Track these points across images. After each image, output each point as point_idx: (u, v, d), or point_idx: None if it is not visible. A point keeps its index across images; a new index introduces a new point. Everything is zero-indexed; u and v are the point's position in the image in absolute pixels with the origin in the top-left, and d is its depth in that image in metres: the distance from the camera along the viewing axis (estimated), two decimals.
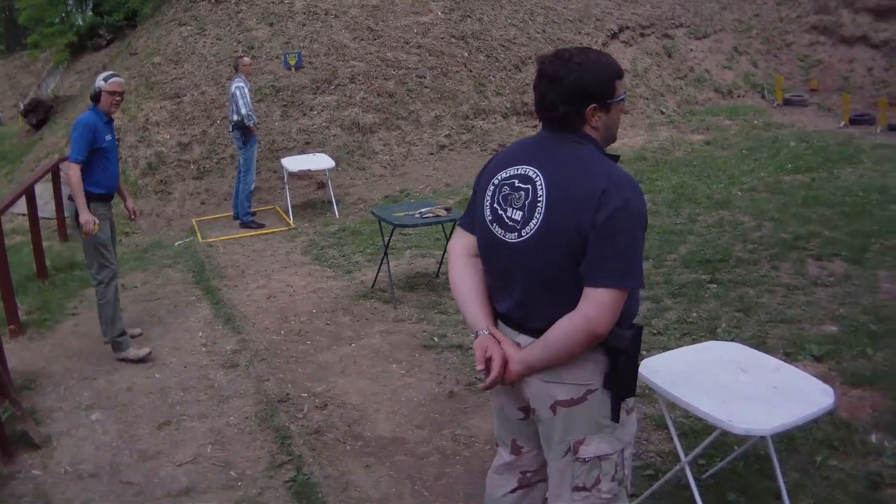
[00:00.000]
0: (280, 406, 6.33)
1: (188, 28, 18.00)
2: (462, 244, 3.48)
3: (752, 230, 10.14)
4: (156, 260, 11.27)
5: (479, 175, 3.46)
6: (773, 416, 3.96)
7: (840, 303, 7.67)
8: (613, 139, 3.28)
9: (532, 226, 3.08)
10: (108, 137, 7.41)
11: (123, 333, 7.54)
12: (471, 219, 3.46)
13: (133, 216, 8.07)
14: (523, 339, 3.23)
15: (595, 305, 2.94)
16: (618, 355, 3.10)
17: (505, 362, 3.19)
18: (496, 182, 3.26)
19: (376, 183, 14.73)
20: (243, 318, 8.44)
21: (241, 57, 13.29)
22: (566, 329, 3.01)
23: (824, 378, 5.83)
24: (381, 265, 9.00)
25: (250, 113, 12.32)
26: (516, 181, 3.19)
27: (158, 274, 10.46)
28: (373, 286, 9.12)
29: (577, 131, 3.14)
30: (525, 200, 3.12)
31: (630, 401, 3.26)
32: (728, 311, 7.63)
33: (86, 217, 7.16)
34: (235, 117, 12.36)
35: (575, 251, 2.98)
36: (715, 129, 17.49)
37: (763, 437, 4.05)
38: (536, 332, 3.16)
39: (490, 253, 3.31)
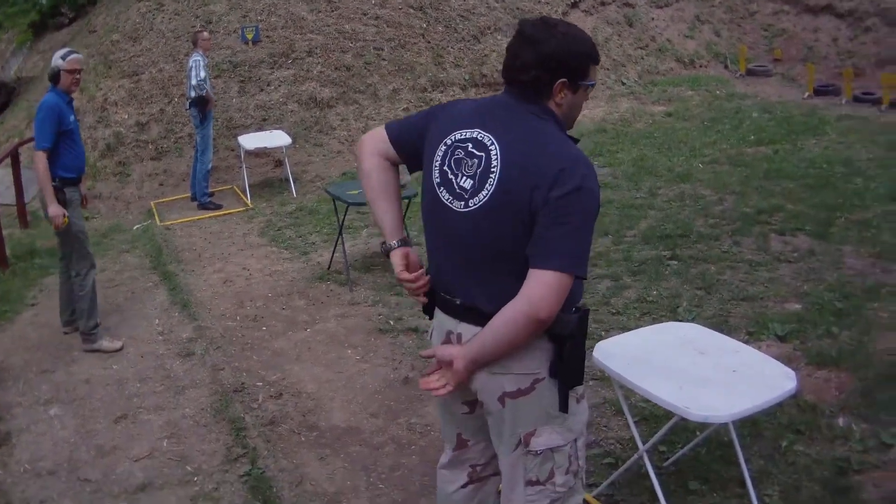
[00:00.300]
0: (235, 396, 6.39)
1: (146, 3, 17.71)
2: (379, 147, 3.34)
3: (714, 204, 10.16)
4: (114, 245, 11.23)
5: (427, 117, 3.32)
6: (733, 401, 3.88)
7: (804, 279, 7.69)
8: (572, 125, 3.18)
9: (481, 196, 2.98)
10: (72, 118, 7.31)
11: (97, 325, 7.56)
12: (400, 133, 3.33)
13: (85, 203, 7.95)
14: (464, 327, 3.13)
15: (539, 287, 2.84)
16: (563, 342, 3.00)
17: (450, 363, 3.08)
18: (448, 143, 3.12)
19: (334, 160, 14.70)
20: (199, 304, 8.48)
21: (199, 31, 13.12)
22: (508, 315, 2.88)
23: (788, 358, 5.94)
24: (335, 246, 9.05)
25: (200, 82, 12.20)
26: (470, 145, 3.06)
27: (116, 259, 10.44)
28: (328, 268, 9.18)
29: (539, 103, 3.04)
30: (477, 169, 3.01)
31: (580, 388, 3.17)
32: (689, 290, 7.65)
33: (55, 210, 7.08)
34: (193, 94, 12.33)
35: (523, 228, 2.89)
36: (677, 101, 17.41)
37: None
38: (471, 312, 3.09)
39: (434, 217, 3.20)
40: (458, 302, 3.14)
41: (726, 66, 20.47)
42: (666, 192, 10.84)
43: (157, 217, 12.49)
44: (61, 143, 7.15)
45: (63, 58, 7.23)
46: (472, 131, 3.08)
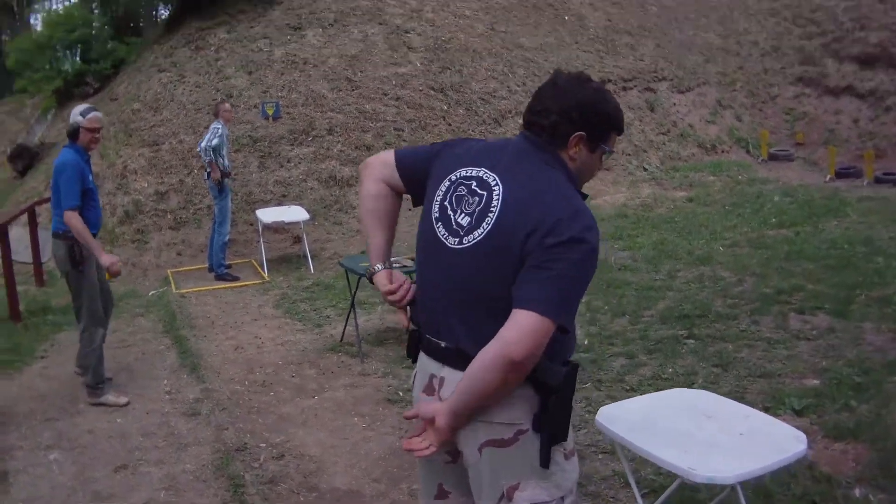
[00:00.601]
0: (237, 455, 6.32)
1: (168, 74, 18.11)
2: (384, 173, 3.30)
3: (733, 285, 10.05)
4: (129, 309, 11.27)
5: (437, 150, 3.27)
6: (740, 463, 3.74)
7: (823, 356, 7.54)
8: (580, 186, 3.08)
9: (476, 235, 2.92)
10: (91, 178, 7.34)
11: (103, 381, 7.56)
12: (407, 160, 3.30)
13: None
14: (448, 372, 3.02)
15: (514, 328, 2.72)
16: (549, 393, 2.89)
17: (432, 421, 2.95)
18: (453, 179, 3.07)
19: (353, 238, 14.72)
20: (209, 368, 8.45)
21: (221, 102, 13.34)
22: (483, 357, 2.77)
23: (805, 432, 5.78)
24: (348, 317, 9.01)
25: (208, 148, 12.30)
26: (474, 183, 3.01)
27: (130, 322, 10.48)
28: (341, 340, 9.14)
29: (553, 152, 2.98)
30: (476, 206, 2.95)
31: (569, 444, 3.04)
32: (705, 367, 7.52)
33: (109, 259, 7.18)
34: (201, 153, 12.48)
35: (513, 272, 2.81)
36: (698, 186, 17.44)
37: (732, 488, 3.86)
38: (456, 356, 2.98)
39: (427, 253, 3.14)
40: (443, 345, 3.04)
41: (748, 151, 20.55)
42: (685, 275, 10.74)
43: (173, 285, 12.56)
44: (83, 200, 7.15)
45: (83, 115, 7.25)
46: (478, 170, 3.03)
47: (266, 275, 12.93)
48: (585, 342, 8.29)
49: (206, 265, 13.32)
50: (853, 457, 5.58)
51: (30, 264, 12.87)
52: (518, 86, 19.14)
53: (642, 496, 4.36)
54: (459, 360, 2.95)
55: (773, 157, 20.05)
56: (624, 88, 20.62)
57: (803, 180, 17.97)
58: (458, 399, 2.88)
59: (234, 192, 14.39)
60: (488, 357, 2.75)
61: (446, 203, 3.06)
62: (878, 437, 5.77)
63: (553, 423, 2.93)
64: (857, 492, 5.11)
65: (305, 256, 13.45)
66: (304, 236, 13.82)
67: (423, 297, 3.18)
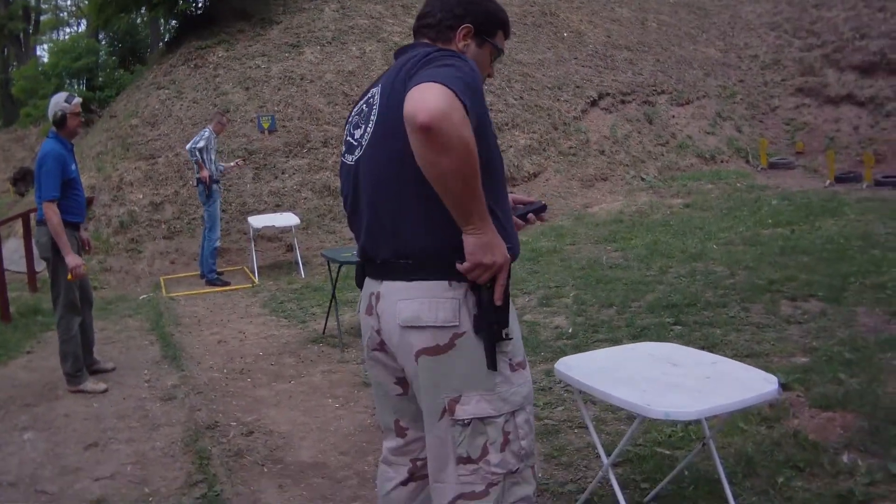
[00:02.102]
0: (206, 432, 6.27)
1: (166, 91, 18.24)
2: None
3: (725, 278, 9.89)
4: (118, 311, 11.33)
5: None
6: (704, 400, 3.60)
7: (814, 337, 7.34)
8: None
9: (365, 138, 2.91)
10: (74, 167, 7.36)
11: (81, 369, 7.56)
12: None
13: (88, 247, 7.88)
14: (385, 286, 2.91)
15: (410, 96, 2.51)
16: (482, 286, 2.73)
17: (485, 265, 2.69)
18: (349, 118, 3.13)
19: (345, 247, 14.62)
20: (189, 359, 8.45)
21: (221, 112, 13.63)
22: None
23: (790, 404, 5.70)
24: (329, 308, 8.96)
25: (193, 149, 12.44)
26: (363, 105, 3.02)
27: (118, 322, 10.52)
28: (323, 332, 9.13)
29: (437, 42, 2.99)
30: (364, 118, 2.95)
31: (516, 355, 2.88)
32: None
33: (74, 260, 7.17)
34: (188, 152, 12.62)
35: (405, 146, 2.61)
36: (696, 193, 17.38)
37: (703, 445, 3.76)
38: (385, 267, 2.90)
39: (344, 186, 3.12)
40: (378, 261, 2.96)
41: (748, 161, 20.53)
42: (677, 270, 10.61)
43: (164, 289, 12.61)
44: (65, 190, 7.20)
45: (68, 101, 7.31)
46: (370, 93, 3.04)
47: (256, 279, 12.94)
48: (570, 330, 8.23)
49: (199, 272, 13.33)
50: (841, 424, 5.42)
51: (24, 273, 12.94)
52: (515, 99, 19.19)
53: (611, 462, 4.15)
54: (389, 270, 2.89)
55: (772, 166, 20.04)
56: (622, 102, 20.69)
57: (803, 186, 17.92)
58: (453, 212, 2.64)
59: (229, 203, 14.43)
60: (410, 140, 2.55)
61: (347, 137, 3.10)
62: (868, 405, 5.60)
63: (489, 317, 2.76)
64: (844, 458, 4.94)
65: (297, 262, 13.46)
66: (296, 242, 13.84)
67: (356, 227, 3.11)
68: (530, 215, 3.27)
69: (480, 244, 2.66)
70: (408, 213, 2.79)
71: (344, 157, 3.09)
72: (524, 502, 2.92)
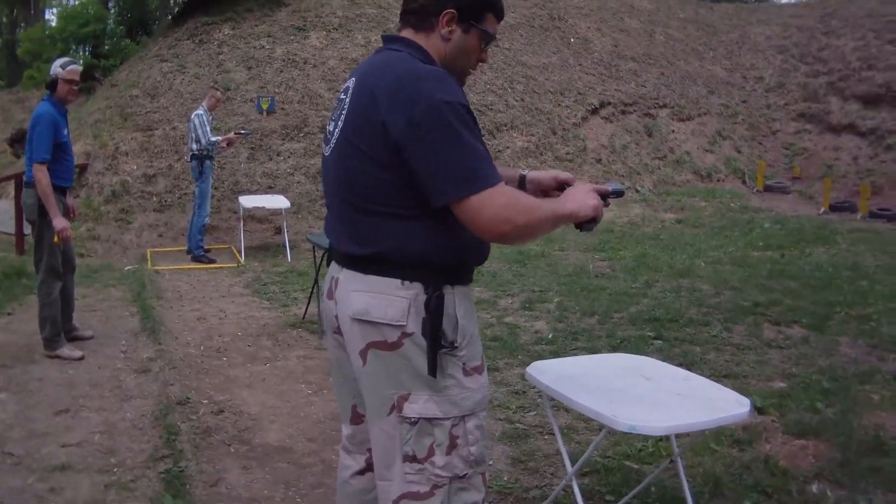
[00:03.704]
0: (177, 408, 6.26)
1: (169, 64, 18.21)
2: None
3: (710, 296, 9.84)
4: (102, 280, 11.32)
5: None
6: (671, 416, 3.57)
7: (794, 364, 7.30)
8: (460, 75, 3.01)
9: (336, 133, 2.89)
10: (66, 132, 7.37)
11: (59, 335, 7.56)
12: None
13: (73, 213, 7.89)
14: (344, 273, 2.91)
15: (473, 214, 2.63)
16: (435, 280, 2.76)
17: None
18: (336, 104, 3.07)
19: None
20: (168, 333, 8.44)
21: (215, 89, 13.59)
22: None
23: (764, 429, 5.67)
24: (311, 293, 8.95)
25: (214, 141, 12.46)
26: (340, 96, 2.99)
27: (101, 291, 10.52)
28: (303, 317, 9.10)
29: (411, 41, 2.90)
30: (339, 112, 2.92)
31: (472, 359, 2.84)
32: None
33: (61, 223, 7.17)
34: (194, 146, 12.50)
35: (371, 163, 2.71)
36: (689, 209, 17.36)
37: (671, 462, 3.71)
38: (346, 258, 2.90)
39: (323, 173, 3.12)
40: (340, 251, 2.96)
41: (744, 182, 20.49)
42: (663, 285, 10.57)
43: (149, 262, 12.61)
44: (55, 153, 7.20)
45: (63, 67, 7.32)
46: (345, 85, 3.01)
47: (242, 259, 12.93)
48: (550, 336, 8.21)
49: (186, 248, 13.31)
50: (813, 453, 5.40)
51: (13, 235, 12.93)
52: (516, 101, 19.17)
53: (575, 471, 4.11)
54: (349, 261, 2.89)
55: (768, 189, 20.02)
56: (623, 112, 20.67)
57: (797, 211, 17.93)
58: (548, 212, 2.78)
59: (221, 181, 14.41)
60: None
61: (328, 127, 3.05)
62: (842, 436, 5.58)
63: (434, 321, 2.73)
64: (814, 487, 4.92)
65: (284, 245, 13.43)
66: (285, 225, 13.83)
67: (327, 214, 3.12)
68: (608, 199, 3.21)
69: (574, 207, 2.80)
70: (363, 220, 2.82)
71: (323, 147, 3.09)
72: None
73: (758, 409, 6.04)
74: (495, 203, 2.62)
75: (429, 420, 2.78)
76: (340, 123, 2.88)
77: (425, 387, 2.77)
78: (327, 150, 2.99)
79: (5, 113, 39.70)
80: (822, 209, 18.11)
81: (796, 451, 5.42)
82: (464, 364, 2.83)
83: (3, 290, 10.16)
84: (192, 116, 12.67)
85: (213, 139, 12.44)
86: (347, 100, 2.88)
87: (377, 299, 2.77)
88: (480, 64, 3.13)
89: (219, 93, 13.47)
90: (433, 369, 2.74)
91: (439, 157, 2.63)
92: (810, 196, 19.70)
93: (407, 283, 2.76)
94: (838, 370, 7.07)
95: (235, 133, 13.59)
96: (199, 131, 12.38)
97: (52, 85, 7.30)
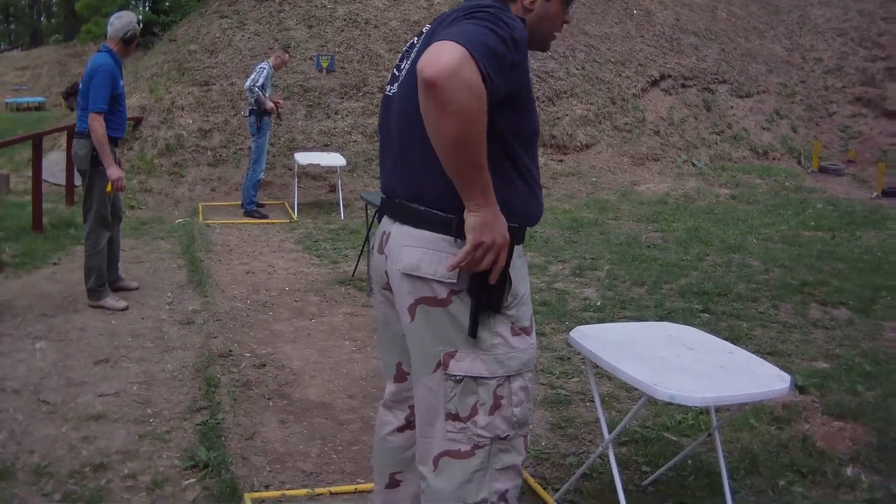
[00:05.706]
0: (219, 360, 6.28)
1: (229, 21, 18.18)
2: None
3: (760, 273, 9.77)
4: (151, 232, 11.42)
5: None
6: (712, 388, 3.50)
7: (838, 344, 7.24)
8: (540, 44, 2.98)
9: (404, 73, 2.85)
10: (121, 83, 7.45)
11: (104, 285, 7.59)
12: None
13: (120, 166, 7.78)
14: (396, 227, 2.84)
15: (428, 49, 2.40)
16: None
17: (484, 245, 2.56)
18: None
19: None
20: (214, 286, 8.47)
21: (285, 51, 13.68)
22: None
23: (804, 408, 5.60)
24: (361, 251, 8.93)
25: (253, 86, 12.40)
26: (414, 38, 2.98)
27: (150, 243, 10.59)
28: (353, 275, 9.08)
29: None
30: (411, 49, 2.92)
31: (522, 319, 2.78)
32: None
33: (116, 172, 7.24)
34: (248, 83, 12.59)
35: None
36: (744, 186, 17.18)
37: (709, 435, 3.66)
38: (399, 208, 2.83)
39: (380, 116, 3.05)
40: (396, 201, 2.86)
41: (799, 162, 20.18)
42: (713, 259, 10.49)
43: (201, 215, 12.67)
44: (110, 104, 7.24)
45: (139, 23, 7.53)
46: (422, 30, 2.97)
47: (295, 215, 12.94)
48: (598, 303, 8.16)
49: (239, 202, 13.37)
50: (850, 436, 5.31)
51: (63, 186, 13.06)
52: (577, 69, 18.96)
53: (612, 439, 4.03)
54: (403, 211, 2.81)
55: (823, 170, 19.70)
56: (683, 86, 20.40)
57: (849, 194, 17.70)
58: (453, 180, 2.54)
59: (278, 137, 14.41)
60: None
61: (394, 70, 2.99)
62: (881, 421, 5.50)
63: (481, 285, 2.66)
64: (849, 470, 4.85)
65: (338, 203, 13.41)
66: (340, 183, 13.83)
67: (382, 160, 3.04)
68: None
69: (481, 223, 2.54)
70: (428, 160, 2.61)
71: (386, 87, 3.00)
72: (511, 471, 2.83)
73: (799, 389, 5.99)
74: (465, 67, 2.36)
75: (474, 378, 2.72)
76: (409, 64, 2.81)
77: (472, 345, 2.71)
78: (393, 89, 2.91)
79: (61, 66, 40.14)
80: (875, 193, 17.79)
81: (834, 433, 5.34)
82: (513, 323, 2.77)
83: (51, 240, 10.26)
84: (257, 66, 12.73)
85: (259, 89, 12.36)
86: (421, 40, 2.85)
87: (429, 255, 2.71)
88: (565, 24, 3.08)
89: (287, 55, 13.48)
90: (474, 329, 2.68)
91: (460, 25, 2.51)
92: (864, 180, 19.39)
93: (459, 241, 2.65)
94: (881, 354, 6.97)
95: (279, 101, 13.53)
96: (255, 75, 12.43)
97: (131, 40, 7.43)
